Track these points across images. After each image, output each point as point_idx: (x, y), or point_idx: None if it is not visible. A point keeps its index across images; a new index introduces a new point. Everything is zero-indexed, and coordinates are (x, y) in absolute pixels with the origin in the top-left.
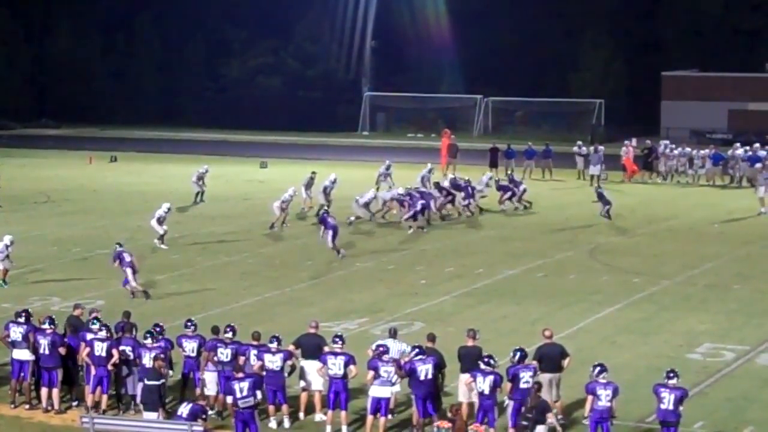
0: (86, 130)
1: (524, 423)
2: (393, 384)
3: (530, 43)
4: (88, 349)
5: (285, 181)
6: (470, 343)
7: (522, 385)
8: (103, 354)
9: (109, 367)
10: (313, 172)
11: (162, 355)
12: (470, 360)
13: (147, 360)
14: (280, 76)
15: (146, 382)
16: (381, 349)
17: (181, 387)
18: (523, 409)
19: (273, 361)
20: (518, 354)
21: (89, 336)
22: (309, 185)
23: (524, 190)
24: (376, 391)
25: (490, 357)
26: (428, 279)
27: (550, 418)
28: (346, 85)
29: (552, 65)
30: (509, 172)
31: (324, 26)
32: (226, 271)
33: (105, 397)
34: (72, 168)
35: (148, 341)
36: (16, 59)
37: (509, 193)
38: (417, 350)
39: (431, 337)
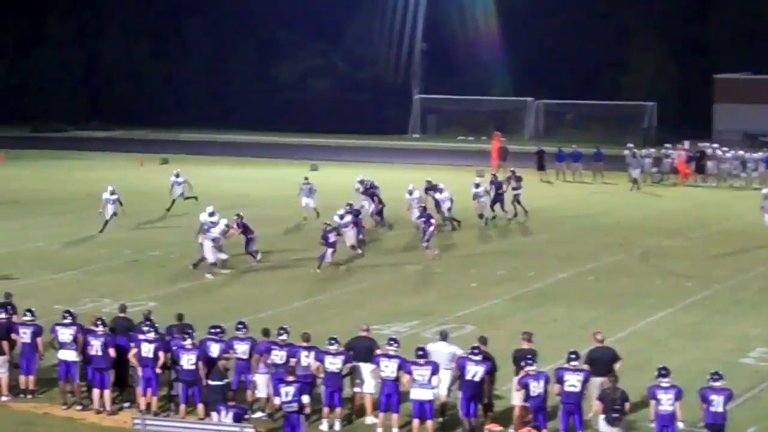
0: (137, 133)
1: (615, 415)
2: (434, 387)
3: (581, 45)
4: (135, 350)
5: (335, 183)
6: (525, 345)
7: (567, 388)
8: (150, 355)
9: (157, 369)
10: (306, 178)
11: (226, 355)
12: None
13: (184, 361)
14: (330, 78)
15: (210, 382)
16: (419, 352)
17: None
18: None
19: (333, 363)
20: (569, 356)
21: (141, 337)
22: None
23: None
24: (417, 393)
25: (532, 357)
26: (479, 282)
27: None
28: (396, 87)
29: (603, 67)
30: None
31: (374, 28)
32: (276, 273)
33: (155, 398)
34: (123, 170)
35: (187, 343)
36: (68, 63)
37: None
38: (475, 350)
39: (483, 341)
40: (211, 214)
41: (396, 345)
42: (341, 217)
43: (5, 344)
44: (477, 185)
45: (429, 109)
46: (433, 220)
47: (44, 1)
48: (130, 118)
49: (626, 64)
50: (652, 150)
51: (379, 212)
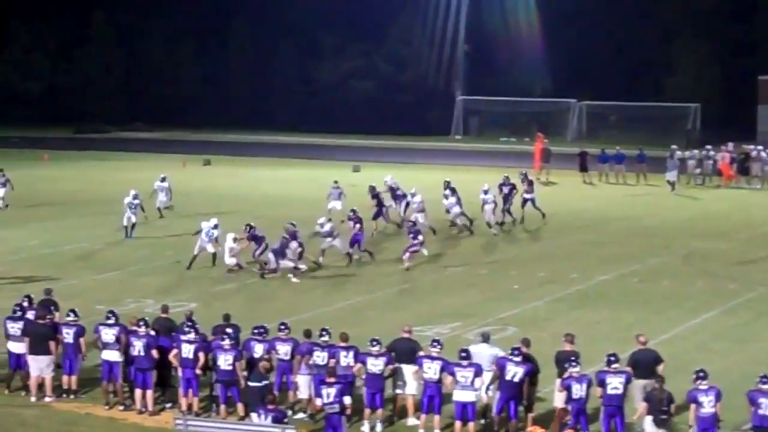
0: (178, 134)
1: (663, 417)
2: (476, 389)
3: (624, 46)
4: (176, 351)
5: (377, 185)
6: (567, 347)
7: (610, 391)
8: (191, 356)
9: (197, 370)
10: (335, 181)
11: (267, 356)
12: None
13: (222, 362)
14: (373, 79)
15: (250, 383)
16: (462, 354)
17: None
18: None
19: (375, 365)
20: (608, 359)
21: (182, 338)
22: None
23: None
24: (459, 395)
25: (576, 358)
26: (521, 284)
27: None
28: (439, 89)
29: (646, 68)
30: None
31: (416, 30)
32: (317, 274)
33: (196, 399)
34: (165, 171)
35: (225, 343)
36: (110, 63)
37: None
38: (515, 351)
39: (526, 343)
40: (215, 227)
41: (439, 347)
42: (321, 225)
43: (52, 344)
44: (485, 191)
45: (471, 111)
46: (420, 237)
47: (88, 2)
48: (172, 119)
49: (669, 65)
50: (696, 151)
51: (378, 214)
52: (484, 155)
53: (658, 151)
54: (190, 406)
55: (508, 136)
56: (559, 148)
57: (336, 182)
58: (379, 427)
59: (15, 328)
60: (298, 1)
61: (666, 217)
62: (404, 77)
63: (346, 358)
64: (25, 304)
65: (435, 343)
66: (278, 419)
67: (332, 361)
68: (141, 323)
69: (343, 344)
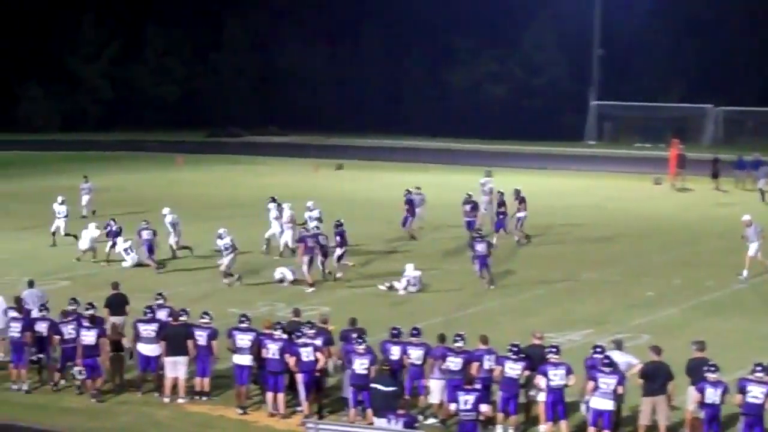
0: (312, 138)
1: None
2: (616, 397)
3: (762, 51)
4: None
5: (510, 190)
6: (698, 355)
7: (749, 399)
8: (312, 358)
9: (316, 372)
10: (417, 188)
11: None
12: (699, 373)
13: (357, 365)
14: (506, 84)
15: (379, 387)
16: (605, 360)
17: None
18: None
19: (513, 369)
20: (754, 367)
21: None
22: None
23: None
24: (597, 402)
25: (713, 365)
26: (655, 291)
27: None
28: (572, 94)
29: None
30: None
31: (550, 35)
32: (449, 279)
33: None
34: (298, 175)
35: (360, 347)
36: (243, 68)
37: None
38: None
39: (656, 350)
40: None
41: (557, 353)
42: (220, 236)
43: (190, 343)
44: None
45: (605, 116)
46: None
47: (222, 7)
48: (304, 124)
49: None
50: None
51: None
52: (618, 161)
53: None
54: (320, 409)
55: (643, 142)
56: (694, 154)
57: (418, 188)
58: None
59: (148, 330)
60: (431, 6)
61: None
62: (537, 82)
63: (488, 361)
64: (159, 302)
65: (553, 349)
66: (409, 424)
67: (475, 365)
68: (277, 327)
69: (483, 347)
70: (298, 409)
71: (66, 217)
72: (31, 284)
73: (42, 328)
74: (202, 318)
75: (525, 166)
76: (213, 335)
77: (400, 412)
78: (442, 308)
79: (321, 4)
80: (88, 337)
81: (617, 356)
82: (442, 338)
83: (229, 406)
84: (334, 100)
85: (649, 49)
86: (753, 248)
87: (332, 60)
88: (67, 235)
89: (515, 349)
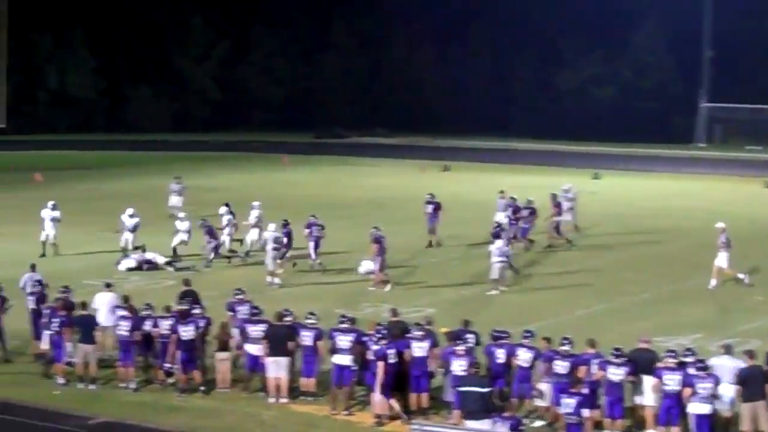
0: (418, 139)
1: None
2: (713, 401)
3: None
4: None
5: (618, 192)
6: None
7: None
8: (424, 354)
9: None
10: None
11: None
12: None
13: (455, 366)
14: (614, 86)
15: (471, 389)
16: (699, 364)
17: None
18: None
19: (616, 374)
20: None
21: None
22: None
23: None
24: (695, 407)
25: None
26: (766, 296)
27: None
28: (682, 95)
29: None
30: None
31: (659, 36)
32: (554, 281)
33: (425, 396)
34: (404, 177)
35: (459, 348)
36: (350, 69)
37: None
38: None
39: (750, 354)
40: (276, 239)
41: (675, 358)
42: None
43: (291, 345)
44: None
45: (716, 118)
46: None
47: (330, 8)
48: (411, 125)
49: None
50: None
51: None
52: (729, 164)
53: None
54: (419, 406)
55: (755, 145)
56: None
57: (502, 192)
58: None
59: (256, 330)
60: (538, 7)
61: None
62: (647, 84)
63: (595, 365)
64: (240, 297)
65: (672, 354)
66: (515, 426)
67: (582, 369)
68: (380, 328)
69: (591, 350)
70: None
71: (134, 230)
72: (108, 286)
73: (149, 326)
74: (308, 318)
75: (633, 169)
76: (319, 336)
77: (506, 414)
78: (550, 310)
79: (429, 5)
80: (188, 332)
81: (727, 361)
82: (547, 341)
83: (338, 406)
84: (441, 101)
85: (761, 50)
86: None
87: (440, 61)
88: (135, 248)
89: (618, 353)
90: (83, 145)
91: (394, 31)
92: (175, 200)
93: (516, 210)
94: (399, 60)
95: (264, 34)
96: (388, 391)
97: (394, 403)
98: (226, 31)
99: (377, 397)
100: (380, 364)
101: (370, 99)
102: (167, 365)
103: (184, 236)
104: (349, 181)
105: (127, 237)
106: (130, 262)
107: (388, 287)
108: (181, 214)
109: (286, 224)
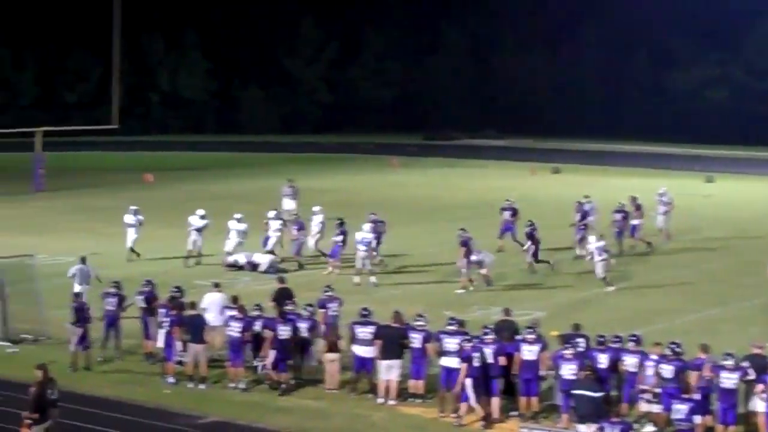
0: (528, 141)
1: None
2: None
3: None
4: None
5: (732, 196)
6: None
7: None
8: (534, 358)
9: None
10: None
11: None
12: None
13: (565, 371)
14: (728, 88)
15: (583, 392)
16: None
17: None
18: None
19: (729, 379)
20: None
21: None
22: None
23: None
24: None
25: None
26: None
27: None
28: None
29: None
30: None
31: None
32: (669, 285)
33: (535, 400)
34: (514, 179)
35: (567, 352)
36: (461, 71)
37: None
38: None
39: None
40: (364, 242)
41: None
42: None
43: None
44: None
45: None
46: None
47: (440, 10)
48: (522, 127)
49: None
50: None
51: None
52: None
53: None
54: (536, 414)
55: None
56: None
57: (587, 197)
58: None
59: (365, 332)
60: (650, 8)
61: None
62: (762, 86)
63: (707, 370)
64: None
65: None
66: (625, 431)
67: (694, 374)
68: (487, 331)
69: (703, 356)
70: (512, 413)
71: (200, 230)
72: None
73: (258, 327)
74: (417, 320)
75: (749, 172)
76: (428, 338)
77: (615, 419)
78: (661, 315)
79: (539, 7)
80: (285, 332)
81: None
82: (658, 345)
83: (446, 409)
84: (552, 103)
85: None
86: None
87: (551, 62)
88: (199, 255)
89: (729, 357)
90: (194, 147)
91: (503, 33)
92: (288, 204)
93: (621, 212)
94: (508, 61)
95: (373, 35)
96: (473, 392)
97: (476, 405)
98: (335, 32)
99: (470, 397)
100: (463, 366)
101: (479, 100)
102: (258, 363)
103: (276, 235)
104: (461, 182)
105: (195, 238)
106: (241, 257)
107: (470, 288)
108: (271, 214)
109: (341, 223)
